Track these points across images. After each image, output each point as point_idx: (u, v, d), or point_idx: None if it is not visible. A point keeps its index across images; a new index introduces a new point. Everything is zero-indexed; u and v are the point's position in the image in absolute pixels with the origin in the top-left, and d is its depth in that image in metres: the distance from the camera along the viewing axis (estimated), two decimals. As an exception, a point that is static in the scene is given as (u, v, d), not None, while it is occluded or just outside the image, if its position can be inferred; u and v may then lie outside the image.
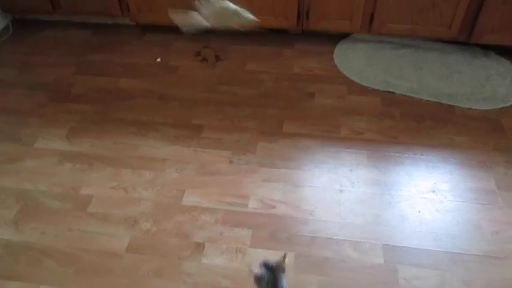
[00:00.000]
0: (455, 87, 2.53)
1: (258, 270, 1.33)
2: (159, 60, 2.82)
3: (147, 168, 2.10)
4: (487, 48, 2.77)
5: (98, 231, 1.85)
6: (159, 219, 1.88)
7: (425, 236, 1.81)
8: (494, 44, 2.68)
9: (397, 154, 2.16)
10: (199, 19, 1.65)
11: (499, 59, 2.72)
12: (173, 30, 3.04)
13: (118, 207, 1.93)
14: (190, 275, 1.68)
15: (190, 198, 1.97)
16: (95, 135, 2.28)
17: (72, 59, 2.85)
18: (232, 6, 1.63)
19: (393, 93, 2.51)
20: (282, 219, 1.88)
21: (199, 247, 1.78)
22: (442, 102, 2.44)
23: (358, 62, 2.75)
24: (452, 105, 2.42)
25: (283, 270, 1.34)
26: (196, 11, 1.65)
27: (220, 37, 2.99)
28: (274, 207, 1.93)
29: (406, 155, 2.15)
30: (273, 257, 1.41)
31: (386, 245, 1.78)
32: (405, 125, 2.32)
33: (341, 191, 1.99)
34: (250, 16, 1.63)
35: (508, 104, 2.43)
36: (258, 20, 1.64)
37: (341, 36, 2.95)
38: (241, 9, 1.63)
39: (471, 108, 2.40)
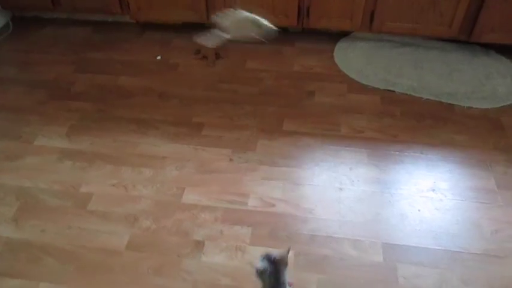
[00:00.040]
0: (455, 85, 2.53)
1: (260, 263, 1.32)
2: (159, 58, 2.82)
3: (147, 166, 2.10)
4: (487, 47, 2.77)
5: (97, 228, 1.85)
6: (159, 217, 1.88)
7: (424, 235, 1.81)
8: (494, 43, 2.68)
9: (397, 153, 2.16)
10: (220, 34, 1.66)
11: (499, 57, 2.72)
12: (173, 28, 3.06)
13: (118, 205, 1.93)
14: (189, 273, 1.69)
15: (190, 196, 1.97)
16: (95, 133, 2.28)
17: (72, 57, 2.85)
18: (251, 16, 1.64)
19: (393, 91, 2.51)
20: (281, 218, 1.88)
21: (199, 245, 1.78)
22: (442, 100, 2.44)
23: (358, 60, 2.75)
24: (453, 104, 2.42)
25: (285, 263, 1.33)
26: (216, 25, 1.66)
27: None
28: (274, 205, 1.93)
29: (406, 153, 2.15)
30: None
31: (386, 243, 1.78)
32: (405, 123, 2.32)
33: (341, 189, 1.99)
34: (270, 25, 1.63)
35: (508, 102, 2.43)
36: (277, 29, 1.64)
37: (341, 35, 2.95)
38: (260, 19, 1.63)
39: (471, 107, 2.40)
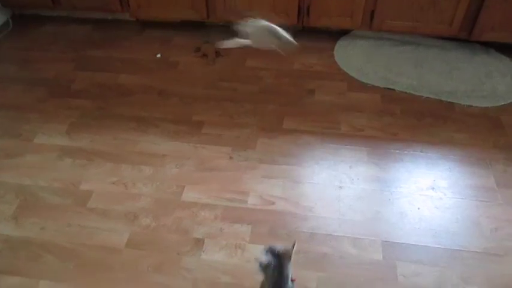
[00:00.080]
0: (455, 84, 2.53)
1: (263, 256, 1.31)
2: (159, 56, 2.82)
3: (147, 163, 2.11)
4: (487, 46, 2.77)
5: (97, 226, 1.85)
6: (159, 215, 1.89)
7: (424, 233, 1.81)
8: (494, 42, 2.68)
9: (397, 151, 2.16)
10: (242, 41, 1.66)
11: (500, 56, 2.72)
12: (173, 26, 3.06)
13: (118, 203, 1.94)
14: (189, 271, 1.69)
15: (190, 194, 1.97)
16: (94, 131, 2.28)
17: (72, 55, 2.84)
18: (271, 27, 1.64)
19: (393, 90, 2.51)
20: (281, 216, 1.88)
21: (199, 243, 1.78)
22: (442, 99, 2.44)
23: (358, 58, 2.74)
24: (452, 103, 2.42)
25: (289, 257, 1.32)
26: (238, 32, 1.67)
27: (221, 33, 2.99)
28: (273, 203, 1.93)
29: (405, 151, 2.15)
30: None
31: (386, 241, 1.78)
32: (405, 122, 2.32)
33: (341, 187, 1.99)
34: (291, 39, 1.63)
35: (508, 101, 2.43)
36: (297, 44, 1.64)
37: (341, 33, 2.94)
38: (281, 30, 1.63)
39: (471, 106, 2.40)
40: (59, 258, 1.74)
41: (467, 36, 2.63)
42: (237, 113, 2.38)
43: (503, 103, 2.41)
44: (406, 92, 2.49)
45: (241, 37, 1.65)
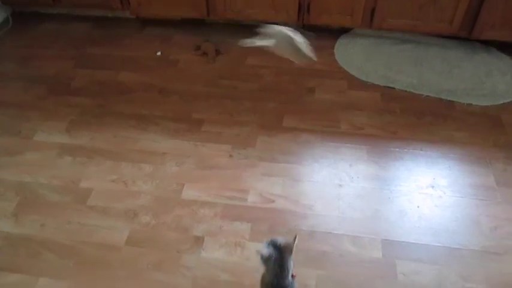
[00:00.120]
0: (455, 83, 2.53)
1: (265, 249, 1.31)
2: (159, 54, 2.82)
3: (147, 161, 2.11)
4: (487, 44, 2.76)
5: (97, 224, 1.85)
6: (159, 213, 1.89)
7: (424, 231, 1.81)
8: (495, 40, 2.68)
9: (397, 149, 2.16)
10: (264, 41, 1.67)
11: (500, 55, 2.72)
12: (173, 24, 3.06)
13: (118, 201, 1.94)
14: (189, 268, 1.69)
15: (189, 192, 1.97)
16: (94, 129, 2.28)
17: (72, 52, 2.84)
18: (294, 39, 1.63)
19: (393, 88, 2.51)
20: (281, 214, 1.88)
21: (199, 241, 1.78)
22: (442, 97, 2.44)
23: (358, 57, 2.74)
24: (452, 101, 2.42)
25: (290, 251, 1.31)
26: (261, 33, 1.67)
27: (221, 31, 2.99)
28: (273, 201, 1.93)
29: (405, 150, 2.15)
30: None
31: (385, 239, 1.78)
32: (405, 120, 2.32)
33: (340, 185, 1.99)
34: (310, 55, 1.63)
35: (508, 100, 2.42)
36: (316, 59, 1.64)
37: (342, 31, 2.94)
38: (303, 43, 1.63)
39: (471, 104, 2.40)
40: (58, 256, 1.74)
41: (467, 35, 2.63)
42: (237, 111, 2.38)
43: (503, 102, 2.41)
44: (406, 91, 2.49)
45: (263, 38, 1.65)
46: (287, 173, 2.05)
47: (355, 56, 2.75)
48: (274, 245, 1.31)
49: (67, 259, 1.73)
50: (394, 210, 1.89)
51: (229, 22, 3.03)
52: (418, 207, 1.90)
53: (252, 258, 1.71)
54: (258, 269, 1.40)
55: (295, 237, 1.32)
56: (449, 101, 2.42)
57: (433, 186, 1.99)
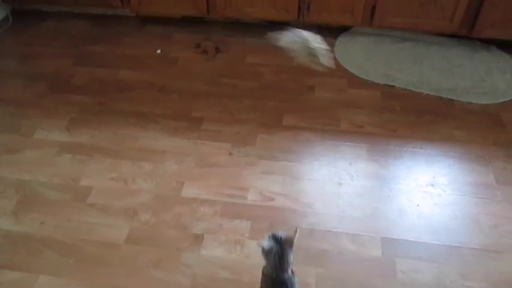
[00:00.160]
0: (455, 81, 2.53)
1: (266, 241, 1.33)
2: (159, 52, 2.82)
3: (146, 159, 2.11)
4: (488, 43, 2.76)
5: (97, 222, 1.85)
6: (158, 211, 1.89)
7: (423, 230, 1.81)
8: (495, 39, 2.67)
9: (397, 148, 2.16)
10: (296, 39, 1.69)
11: (500, 53, 2.72)
12: (173, 22, 3.05)
13: (117, 199, 1.94)
14: (189, 266, 1.69)
15: (189, 190, 1.97)
16: (94, 127, 2.28)
17: (72, 50, 2.84)
18: (310, 44, 1.64)
19: (393, 86, 2.51)
20: (280, 212, 1.88)
21: (198, 238, 1.78)
22: (442, 96, 2.44)
23: (358, 55, 2.74)
24: (452, 99, 2.42)
25: (291, 244, 1.33)
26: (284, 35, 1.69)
27: (221, 29, 2.99)
28: (273, 199, 1.93)
29: (405, 148, 2.15)
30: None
31: (385, 238, 1.78)
32: (405, 118, 2.32)
33: (340, 184, 1.99)
34: (324, 62, 1.64)
35: (508, 98, 2.42)
36: (328, 66, 1.65)
37: (342, 30, 2.94)
38: (319, 49, 1.63)
39: (471, 103, 2.40)
40: (58, 254, 1.74)
41: (467, 33, 2.63)
42: (237, 109, 2.38)
43: (503, 100, 2.41)
44: (406, 89, 2.49)
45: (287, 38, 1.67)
46: (287, 171, 2.05)
47: (355, 54, 2.75)
48: (275, 238, 1.33)
49: (67, 257, 1.73)
50: (393, 209, 1.89)
51: (229, 20, 3.03)
52: (417, 205, 1.90)
53: (251, 256, 1.71)
54: (258, 267, 1.40)
55: (296, 231, 1.33)
56: (449, 99, 2.42)
57: (432, 185, 1.99)
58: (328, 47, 1.61)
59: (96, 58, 2.77)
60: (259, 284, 1.41)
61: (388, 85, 2.52)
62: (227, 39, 2.89)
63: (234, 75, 2.62)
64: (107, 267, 1.70)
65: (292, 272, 1.37)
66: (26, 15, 3.15)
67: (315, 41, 1.63)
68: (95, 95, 2.49)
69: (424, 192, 1.96)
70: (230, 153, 2.14)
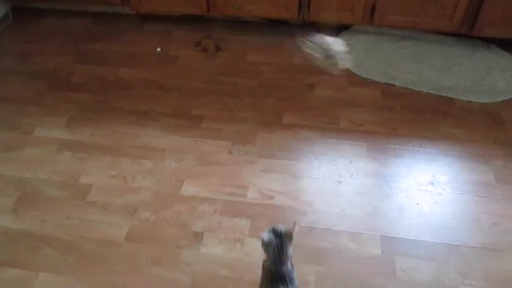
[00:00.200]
0: (455, 80, 2.53)
1: (266, 235, 1.35)
2: (159, 49, 2.81)
3: (146, 157, 2.11)
4: (488, 41, 2.76)
5: (97, 219, 1.85)
6: (158, 209, 1.89)
7: (423, 228, 1.81)
8: (495, 37, 2.67)
9: (397, 146, 2.16)
10: (324, 41, 1.72)
11: (501, 52, 2.72)
12: (173, 20, 3.05)
13: (117, 196, 1.94)
14: (188, 264, 1.69)
15: (189, 188, 1.97)
16: (94, 124, 2.28)
17: (72, 48, 2.84)
18: (330, 46, 1.66)
19: (393, 85, 2.51)
20: (280, 210, 1.88)
21: (198, 236, 1.78)
22: (442, 94, 2.44)
23: (358, 53, 2.74)
24: (452, 98, 2.42)
25: (290, 238, 1.36)
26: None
27: (221, 27, 2.99)
28: (273, 197, 1.93)
29: (405, 147, 2.15)
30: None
31: (384, 236, 1.78)
32: (405, 117, 2.32)
33: (340, 182, 1.99)
34: (342, 64, 1.65)
35: (508, 97, 2.42)
36: (344, 67, 1.67)
37: (342, 28, 2.94)
38: (341, 52, 1.65)
39: (471, 101, 2.40)
40: (58, 251, 1.74)
41: (468, 32, 2.63)
42: (237, 107, 2.38)
43: (503, 99, 2.41)
44: (406, 87, 2.49)
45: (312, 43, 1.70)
46: (287, 169, 2.05)
47: (356, 52, 2.75)
48: (275, 232, 1.36)
49: (67, 254, 1.73)
50: (393, 207, 1.89)
51: (229, 18, 3.03)
52: (417, 204, 1.91)
53: (251, 254, 1.71)
54: (258, 265, 1.40)
55: (295, 224, 1.37)
56: (449, 98, 2.42)
57: (432, 183, 1.99)
58: (347, 49, 1.62)
59: (96, 56, 2.77)
60: (260, 279, 1.42)
61: (388, 83, 2.52)
62: (227, 37, 2.89)
63: (234, 73, 2.62)
64: (106, 264, 1.70)
65: (291, 265, 1.38)
66: (26, 12, 3.15)
67: (335, 44, 1.65)
68: (94, 92, 2.49)
69: (423, 190, 1.96)
70: (230, 152, 2.14)
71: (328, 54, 1.67)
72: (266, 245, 1.36)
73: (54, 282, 1.65)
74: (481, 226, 1.82)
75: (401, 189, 1.96)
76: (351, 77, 2.57)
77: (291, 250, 1.38)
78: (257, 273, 1.41)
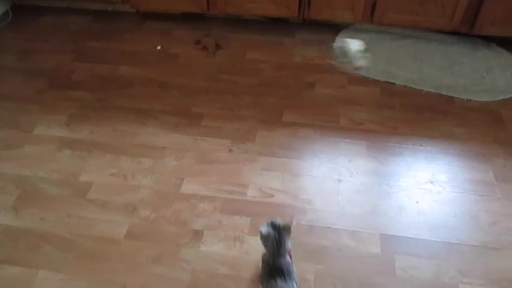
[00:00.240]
0: (455, 78, 2.53)
1: (264, 228, 1.39)
2: (159, 48, 2.81)
3: (146, 155, 2.11)
4: (488, 40, 2.76)
5: (97, 217, 1.85)
6: (158, 207, 1.89)
7: (422, 226, 1.81)
8: (495, 36, 2.67)
9: (396, 145, 2.16)
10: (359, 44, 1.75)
11: (501, 50, 2.72)
12: (173, 18, 3.05)
13: (117, 194, 1.94)
14: (188, 262, 1.69)
15: (189, 186, 1.97)
16: (94, 122, 2.28)
17: (72, 46, 2.84)
18: (352, 50, 1.69)
19: (393, 83, 2.51)
20: (280, 208, 1.88)
21: (198, 234, 1.78)
22: (442, 93, 2.44)
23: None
24: (452, 97, 2.42)
25: (288, 231, 1.40)
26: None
27: (221, 26, 2.99)
28: (272, 195, 1.93)
29: (405, 145, 2.15)
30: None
31: (384, 234, 1.78)
32: (405, 115, 2.32)
33: (340, 180, 2.00)
34: (358, 65, 1.69)
35: (508, 96, 2.42)
36: (361, 68, 1.71)
37: (342, 26, 2.93)
38: (360, 54, 1.70)
39: (471, 100, 2.40)
40: (58, 249, 1.74)
41: (468, 31, 2.62)
42: (237, 105, 2.38)
43: (503, 98, 2.41)
44: (406, 86, 2.49)
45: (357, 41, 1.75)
46: (286, 167, 2.05)
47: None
48: (274, 225, 1.40)
49: (66, 252, 1.73)
50: (393, 206, 1.90)
51: (230, 17, 3.02)
52: (417, 202, 1.91)
53: (251, 252, 1.71)
54: (258, 263, 1.41)
55: (292, 218, 1.42)
56: (449, 96, 2.42)
57: (432, 182, 1.99)
58: (365, 50, 1.65)
59: (96, 54, 2.77)
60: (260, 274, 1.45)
61: (388, 82, 2.52)
62: (227, 35, 2.89)
63: (234, 71, 2.62)
64: (106, 262, 1.70)
65: (290, 257, 1.40)
66: (26, 10, 3.15)
67: (354, 44, 1.68)
68: (94, 91, 2.48)
69: (423, 189, 1.96)
70: (230, 150, 2.14)
71: (345, 53, 1.71)
72: (265, 238, 1.39)
73: (54, 280, 1.65)
74: (481, 225, 1.82)
75: (401, 188, 1.96)
76: (351, 76, 2.57)
77: (289, 243, 1.41)
78: (257, 271, 1.41)
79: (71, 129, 2.25)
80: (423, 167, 2.06)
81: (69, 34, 2.94)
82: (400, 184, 1.98)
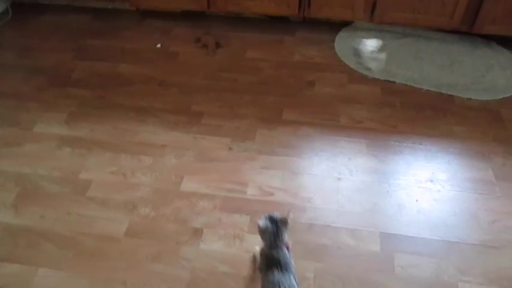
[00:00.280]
0: (455, 77, 2.53)
1: (262, 221, 1.42)
2: (159, 46, 2.81)
3: (146, 153, 2.11)
4: (488, 39, 2.76)
5: (96, 215, 1.85)
6: (158, 205, 1.89)
7: (422, 225, 1.81)
8: (496, 35, 2.67)
9: (396, 143, 2.16)
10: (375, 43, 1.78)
11: (501, 49, 2.72)
12: (173, 16, 3.05)
13: (117, 192, 1.94)
14: (188, 260, 1.70)
15: (189, 184, 1.97)
16: (94, 120, 2.28)
17: (72, 44, 2.83)
18: (361, 52, 1.70)
19: (393, 82, 2.51)
20: (280, 206, 1.88)
21: (198, 232, 1.78)
22: (442, 92, 2.44)
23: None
24: (452, 95, 2.42)
25: (286, 224, 1.43)
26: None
27: (221, 24, 2.98)
28: (272, 194, 1.93)
29: (405, 144, 2.16)
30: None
31: (383, 233, 1.79)
32: (405, 114, 2.32)
33: (339, 179, 2.00)
34: (370, 66, 1.71)
35: (508, 94, 2.42)
36: (370, 70, 1.73)
37: (342, 25, 2.93)
38: (371, 55, 1.72)
39: (471, 99, 2.40)
40: (58, 246, 1.74)
41: (468, 29, 2.62)
42: (237, 104, 2.38)
43: (503, 96, 2.41)
44: (406, 85, 2.49)
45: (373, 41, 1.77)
46: (286, 166, 2.05)
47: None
48: (271, 218, 1.43)
49: (66, 250, 1.73)
50: (392, 204, 1.90)
51: (230, 15, 3.02)
52: (416, 201, 1.91)
53: (250, 250, 1.71)
54: (257, 261, 1.41)
55: (289, 212, 1.50)
56: (450, 95, 2.42)
57: (432, 180, 1.99)
58: (378, 50, 1.67)
59: (95, 52, 2.77)
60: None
61: (388, 81, 2.52)
62: (227, 33, 2.89)
63: (234, 69, 2.62)
64: (106, 260, 1.70)
65: (287, 249, 1.44)
66: (26, 8, 3.14)
67: (366, 44, 1.70)
68: (94, 88, 2.48)
69: (423, 187, 1.96)
70: (230, 148, 2.14)
71: (357, 53, 1.73)
72: (262, 231, 1.42)
73: (54, 277, 1.65)
74: (480, 223, 1.82)
75: (401, 186, 1.97)
76: (351, 74, 2.57)
77: (286, 236, 1.44)
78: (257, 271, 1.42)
79: (71, 127, 2.25)
80: (423, 166, 2.06)
81: (69, 32, 2.94)
82: (399, 182, 1.98)
